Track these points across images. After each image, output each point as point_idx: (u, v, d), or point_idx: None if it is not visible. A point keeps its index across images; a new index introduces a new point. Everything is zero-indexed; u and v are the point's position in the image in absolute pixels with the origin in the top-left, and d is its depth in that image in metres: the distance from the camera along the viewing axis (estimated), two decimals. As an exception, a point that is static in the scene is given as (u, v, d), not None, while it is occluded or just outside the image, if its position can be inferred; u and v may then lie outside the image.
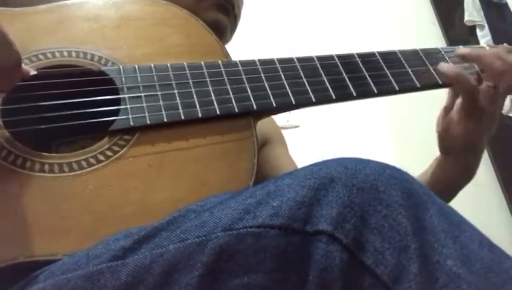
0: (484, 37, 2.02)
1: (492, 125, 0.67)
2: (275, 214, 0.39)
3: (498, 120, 0.67)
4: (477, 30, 2.09)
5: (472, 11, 2.10)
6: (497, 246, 0.39)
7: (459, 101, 0.67)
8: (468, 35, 2.09)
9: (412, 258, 0.36)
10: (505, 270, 0.36)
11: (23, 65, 0.52)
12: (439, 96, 0.77)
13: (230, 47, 0.77)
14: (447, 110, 0.69)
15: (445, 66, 0.66)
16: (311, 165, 0.43)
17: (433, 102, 0.69)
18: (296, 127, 1.72)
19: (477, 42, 2.00)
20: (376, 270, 0.36)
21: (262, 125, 0.66)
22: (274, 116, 0.84)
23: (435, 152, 0.71)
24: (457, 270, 0.35)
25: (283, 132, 0.88)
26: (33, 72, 0.53)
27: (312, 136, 1.76)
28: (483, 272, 0.36)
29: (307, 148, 1.56)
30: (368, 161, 0.41)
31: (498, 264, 0.37)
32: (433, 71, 0.67)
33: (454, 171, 0.69)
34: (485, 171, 1.87)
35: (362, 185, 0.39)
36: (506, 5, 2.04)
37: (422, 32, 2.15)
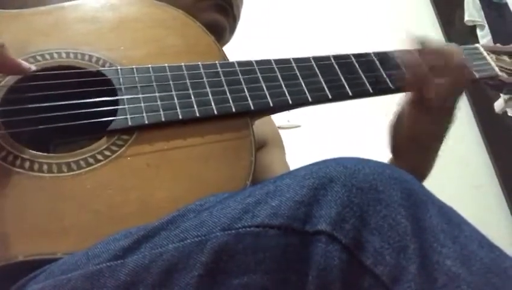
0: (484, 37, 2.02)
1: (443, 115, 0.65)
2: (274, 213, 0.39)
3: (452, 110, 0.65)
4: (477, 30, 2.09)
5: (472, 11, 2.10)
6: (496, 246, 0.39)
7: (410, 94, 0.66)
8: (468, 35, 2.09)
9: (412, 259, 0.36)
10: (504, 271, 0.36)
11: (23, 62, 0.52)
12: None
13: (227, 47, 0.77)
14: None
15: (400, 54, 0.67)
16: (310, 164, 0.43)
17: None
18: (297, 127, 1.72)
19: (478, 42, 2.00)
20: (375, 271, 0.36)
21: (261, 126, 0.66)
22: (275, 116, 0.84)
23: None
24: (456, 270, 0.35)
25: (284, 132, 0.88)
26: (34, 68, 0.53)
27: (312, 136, 1.76)
28: (483, 272, 0.36)
29: (307, 148, 1.56)
30: (368, 161, 0.41)
31: (498, 264, 0.37)
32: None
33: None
34: (485, 171, 1.87)
35: (361, 185, 0.39)
36: (506, 5, 2.04)
37: (423, 33, 2.14)
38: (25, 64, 0.52)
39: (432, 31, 2.18)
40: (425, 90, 0.63)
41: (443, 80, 0.62)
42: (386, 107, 0.70)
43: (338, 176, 0.39)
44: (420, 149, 0.66)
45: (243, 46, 0.93)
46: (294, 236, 0.38)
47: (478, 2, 2.09)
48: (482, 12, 2.07)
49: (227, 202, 0.41)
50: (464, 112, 2.02)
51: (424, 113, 0.64)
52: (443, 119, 0.66)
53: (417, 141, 0.66)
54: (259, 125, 0.63)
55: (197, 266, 0.38)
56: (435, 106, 0.63)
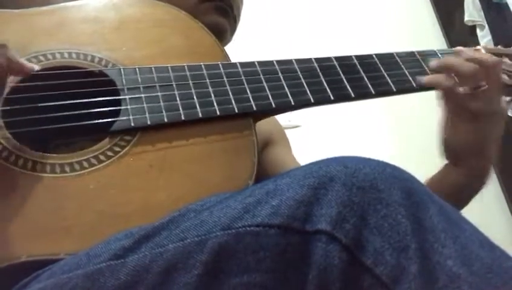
0: (484, 37, 2.02)
1: (495, 123, 0.65)
2: (274, 213, 0.39)
3: (501, 120, 0.65)
4: (478, 30, 2.09)
5: (472, 11, 2.09)
6: (497, 246, 0.39)
7: (445, 105, 0.66)
8: (469, 35, 2.09)
9: (412, 259, 0.36)
10: (505, 270, 0.36)
11: (26, 62, 0.52)
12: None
13: (229, 48, 0.77)
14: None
15: (419, 79, 0.66)
16: (310, 163, 0.43)
17: (432, 102, 0.68)
18: (298, 127, 1.72)
19: (478, 42, 2.00)
20: (375, 271, 0.36)
21: (265, 125, 0.66)
22: (275, 116, 0.84)
23: (435, 151, 0.71)
24: (457, 270, 0.35)
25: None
26: (37, 68, 0.53)
27: (313, 136, 1.76)
28: (483, 272, 0.36)
29: (308, 148, 1.56)
30: (368, 160, 0.41)
31: (498, 264, 0.37)
32: (429, 72, 0.68)
33: (464, 177, 0.67)
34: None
35: (362, 184, 0.39)
36: (506, 5, 2.04)
37: (423, 33, 2.14)
38: (28, 64, 0.52)
39: (432, 31, 2.18)
40: (454, 99, 0.63)
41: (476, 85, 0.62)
42: (386, 107, 0.70)
43: (338, 175, 0.39)
44: (475, 154, 0.66)
45: (244, 47, 0.93)
46: (295, 235, 0.38)
47: (478, 2, 2.09)
48: (482, 13, 2.07)
49: (228, 202, 0.41)
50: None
51: (469, 121, 0.63)
52: (492, 122, 0.64)
53: (471, 148, 0.65)
54: (264, 123, 0.63)
55: (197, 266, 0.38)
56: (478, 111, 0.62)
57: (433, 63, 0.67)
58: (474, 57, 0.64)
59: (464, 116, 0.64)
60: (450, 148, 0.67)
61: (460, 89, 0.62)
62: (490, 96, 0.63)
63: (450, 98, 0.64)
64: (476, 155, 0.65)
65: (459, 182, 0.67)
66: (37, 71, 0.54)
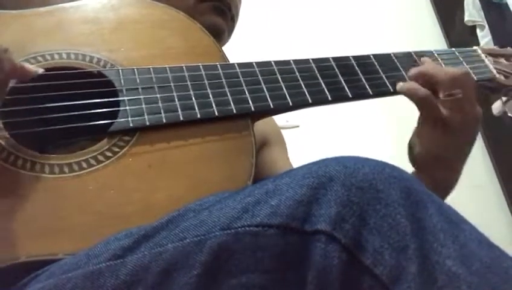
0: (484, 37, 2.02)
1: (466, 134, 0.63)
2: (273, 213, 0.39)
3: (472, 133, 0.64)
4: (478, 30, 2.09)
5: (472, 11, 2.09)
6: (496, 246, 0.39)
7: (420, 114, 0.65)
8: (469, 35, 2.09)
9: (411, 259, 0.36)
10: (504, 270, 0.36)
11: (28, 65, 0.52)
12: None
13: (227, 48, 0.77)
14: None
15: (399, 84, 0.65)
16: (310, 163, 0.43)
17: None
18: (296, 127, 1.72)
19: (478, 42, 2.00)
20: (375, 271, 0.36)
21: (262, 125, 0.66)
22: (273, 117, 0.84)
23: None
24: (456, 270, 0.35)
25: (282, 132, 0.88)
26: (41, 71, 0.52)
27: (312, 136, 1.76)
28: (483, 272, 0.36)
29: (307, 148, 1.56)
30: (367, 160, 0.41)
31: (497, 263, 0.37)
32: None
33: (426, 185, 0.65)
34: (485, 171, 1.87)
35: (361, 184, 0.39)
36: (506, 5, 2.04)
37: (423, 33, 2.14)
38: (31, 68, 0.52)
39: (432, 31, 2.18)
40: (430, 109, 0.62)
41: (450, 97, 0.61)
42: (385, 107, 0.70)
43: (337, 175, 0.39)
44: (443, 166, 0.64)
45: (242, 47, 0.93)
46: (294, 236, 0.38)
47: (478, 2, 2.09)
48: (482, 13, 2.07)
49: (227, 202, 0.41)
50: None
51: (442, 132, 0.62)
52: (463, 138, 0.63)
53: (439, 159, 0.64)
54: (260, 124, 0.63)
55: (196, 266, 0.38)
56: (451, 124, 0.61)
57: (412, 71, 0.65)
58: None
59: (436, 126, 0.62)
60: (417, 155, 0.65)
61: (440, 95, 0.61)
62: (463, 105, 0.61)
63: (424, 105, 0.62)
64: (441, 166, 0.64)
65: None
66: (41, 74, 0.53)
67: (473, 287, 0.35)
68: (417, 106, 0.63)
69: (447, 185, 0.65)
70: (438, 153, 0.63)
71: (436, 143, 0.63)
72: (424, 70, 0.65)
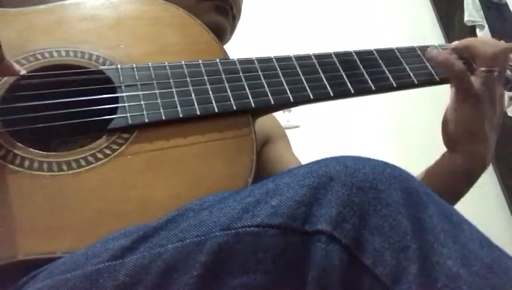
0: (484, 37, 2.02)
1: (492, 111, 0.65)
2: (274, 213, 0.38)
3: (501, 107, 0.66)
4: (477, 30, 2.09)
5: (472, 11, 2.10)
6: (497, 246, 0.39)
7: (453, 88, 0.66)
8: (469, 35, 2.09)
9: (412, 259, 0.36)
10: (505, 271, 0.36)
11: (14, 64, 0.51)
12: (439, 95, 0.77)
13: (227, 44, 0.77)
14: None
15: (434, 51, 0.67)
16: (310, 163, 0.42)
17: (432, 100, 0.68)
18: (297, 127, 1.72)
19: (478, 42, 2.00)
20: (375, 271, 0.36)
21: (263, 123, 0.66)
22: (274, 115, 0.84)
23: (435, 150, 0.71)
24: (457, 270, 0.35)
25: (283, 131, 0.88)
26: (23, 72, 0.52)
27: (312, 136, 1.76)
28: (483, 273, 0.35)
29: (308, 148, 1.56)
30: (368, 160, 0.41)
31: (498, 264, 0.37)
32: (430, 67, 0.68)
33: (463, 163, 0.67)
34: (485, 171, 1.87)
35: (362, 184, 0.38)
36: (506, 5, 2.04)
37: (423, 33, 2.15)
38: (15, 67, 0.52)
39: (432, 31, 2.18)
40: (464, 83, 0.64)
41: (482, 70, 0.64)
42: (385, 107, 0.70)
43: (338, 175, 0.39)
44: (477, 140, 0.66)
45: (243, 43, 0.93)
46: (294, 236, 0.38)
47: (478, 2, 2.09)
48: (482, 13, 2.07)
49: (227, 202, 0.41)
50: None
51: (472, 106, 0.64)
52: (492, 109, 0.65)
53: (472, 134, 0.65)
54: (262, 121, 0.63)
55: (196, 266, 0.38)
56: (479, 97, 0.63)
57: (453, 44, 0.68)
58: (488, 41, 0.66)
59: (467, 100, 0.64)
60: (448, 131, 0.67)
61: (479, 71, 0.63)
62: (495, 82, 0.64)
63: (458, 78, 0.64)
64: (472, 139, 0.66)
65: (455, 167, 0.67)
66: (24, 75, 0.53)
67: (474, 288, 0.34)
68: (451, 78, 0.65)
69: (479, 157, 0.67)
70: (469, 127, 0.65)
71: (468, 117, 0.65)
72: (467, 44, 0.67)
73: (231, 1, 0.75)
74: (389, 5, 2.16)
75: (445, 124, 0.68)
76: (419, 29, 2.16)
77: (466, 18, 2.10)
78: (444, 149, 0.69)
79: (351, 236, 0.37)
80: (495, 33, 1.98)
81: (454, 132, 0.66)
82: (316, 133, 1.78)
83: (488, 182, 1.85)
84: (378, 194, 0.38)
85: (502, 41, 0.68)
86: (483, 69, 0.64)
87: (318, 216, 0.38)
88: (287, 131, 0.88)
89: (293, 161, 0.79)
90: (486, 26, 2.06)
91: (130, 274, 0.39)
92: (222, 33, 0.75)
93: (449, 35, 2.13)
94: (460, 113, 0.65)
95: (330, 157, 0.42)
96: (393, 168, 0.41)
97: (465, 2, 2.12)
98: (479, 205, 1.76)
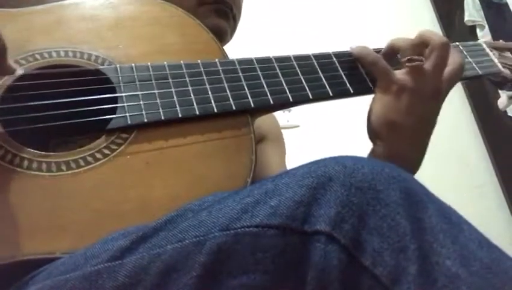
0: (484, 37, 2.02)
1: (421, 103, 0.61)
2: (273, 213, 0.38)
3: (430, 100, 0.62)
4: (477, 30, 2.09)
5: (472, 11, 2.10)
6: (496, 246, 0.39)
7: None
8: (469, 35, 2.09)
9: (411, 259, 0.36)
10: (504, 271, 0.36)
11: (12, 63, 0.51)
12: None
13: (226, 45, 0.76)
14: None
15: (351, 48, 0.67)
16: (309, 163, 0.42)
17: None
18: (296, 127, 1.72)
19: (478, 42, 2.00)
20: (375, 271, 0.36)
21: (263, 122, 0.65)
22: (274, 115, 0.84)
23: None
24: (456, 270, 0.35)
25: (283, 132, 0.88)
26: (20, 72, 0.52)
27: (312, 136, 1.76)
28: (483, 273, 0.35)
29: (307, 148, 1.56)
30: (367, 160, 0.41)
31: (497, 264, 0.37)
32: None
33: (383, 157, 0.62)
34: (485, 171, 1.87)
35: (360, 184, 0.38)
36: (506, 5, 2.04)
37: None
38: (12, 66, 0.51)
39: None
40: (380, 69, 0.63)
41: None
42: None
43: (337, 175, 0.39)
44: (401, 136, 0.62)
45: (242, 43, 0.93)
46: (293, 236, 0.38)
47: (478, 2, 2.09)
48: (482, 12, 2.07)
49: (226, 202, 0.41)
50: (463, 112, 2.02)
51: (395, 96, 0.62)
52: (420, 107, 0.62)
53: (395, 126, 0.62)
54: (261, 120, 0.63)
55: (196, 267, 0.38)
56: (401, 86, 0.61)
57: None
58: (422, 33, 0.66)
59: (389, 89, 0.62)
60: (372, 121, 0.64)
61: (403, 60, 0.63)
62: (423, 73, 0.61)
63: (373, 68, 0.64)
64: (399, 136, 0.62)
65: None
66: (34, 69, 0.53)
67: (473, 288, 0.34)
68: (368, 69, 0.65)
69: (408, 159, 0.63)
70: (391, 118, 0.62)
71: (389, 107, 0.62)
72: (390, 43, 0.69)
73: (231, 2, 0.75)
74: (389, 5, 2.16)
75: (368, 115, 0.65)
76: (419, 29, 2.15)
77: (466, 18, 2.10)
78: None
79: (350, 236, 0.37)
80: (495, 33, 1.98)
81: (376, 123, 0.63)
82: (315, 133, 1.78)
83: (488, 182, 1.85)
84: (377, 195, 0.38)
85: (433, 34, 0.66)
86: (404, 59, 0.62)
87: (317, 216, 0.38)
88: (286, 131, 0.88)
89: (278, 168, 0.77)
90: (487, 26, 2.06)
91: (129, 275, 0.39)
92: (223, 36, 0.75)
93: (449, 35, 2.13)
94: (380, 103, 0.63)
95: (329, 157, 0.42)
96: (392, 168, 0.41)
97: (465, 1, 2.12)
98: (479, 205, 1.76)
